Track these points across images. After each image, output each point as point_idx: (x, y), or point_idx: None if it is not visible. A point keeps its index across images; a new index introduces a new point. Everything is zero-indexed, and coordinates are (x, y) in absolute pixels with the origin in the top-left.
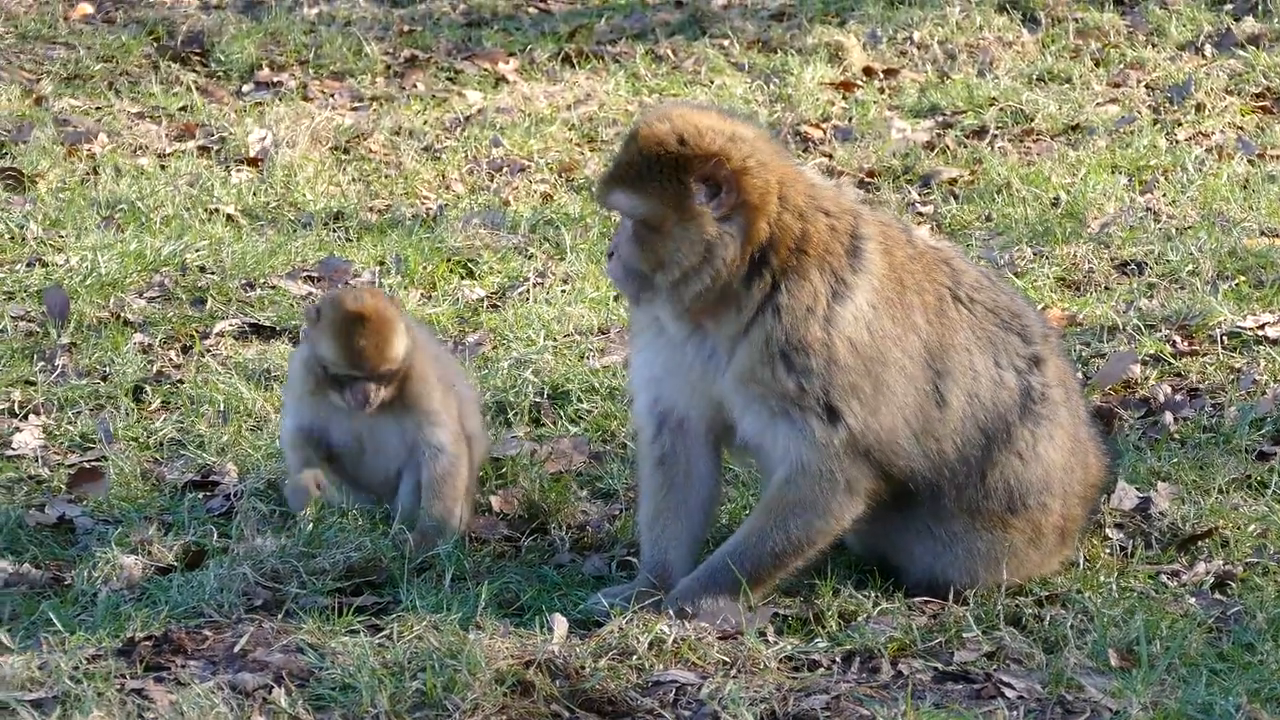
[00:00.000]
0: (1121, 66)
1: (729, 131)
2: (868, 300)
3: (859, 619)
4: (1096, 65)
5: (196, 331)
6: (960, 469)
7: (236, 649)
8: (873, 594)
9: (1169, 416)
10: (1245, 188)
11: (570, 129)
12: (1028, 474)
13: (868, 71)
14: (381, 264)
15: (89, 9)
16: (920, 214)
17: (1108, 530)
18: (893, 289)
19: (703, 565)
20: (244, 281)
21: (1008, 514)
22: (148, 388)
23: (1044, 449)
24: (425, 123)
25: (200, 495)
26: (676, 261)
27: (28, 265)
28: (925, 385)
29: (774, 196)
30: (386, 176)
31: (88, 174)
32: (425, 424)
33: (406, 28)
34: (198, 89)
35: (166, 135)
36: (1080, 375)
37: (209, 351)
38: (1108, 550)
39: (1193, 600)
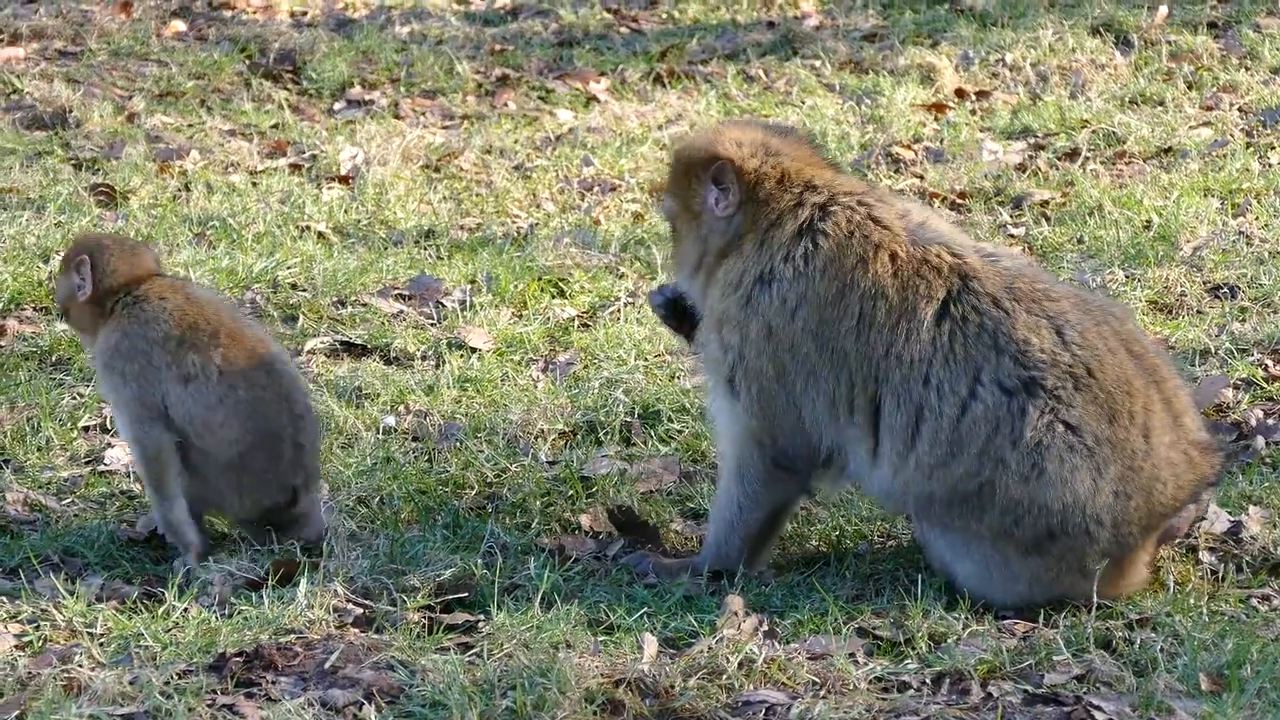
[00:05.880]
0: (1214, 90)
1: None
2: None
3: (949, 641)
4: (1189, 88)
5: (288, 348)
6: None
7: (327, 665)
8: (963, 616)
9: (1260, 441)
10: None
11: (661, 149)
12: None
13: (959, 93)
14: (473, 282)
15: (181, 26)
16: (1012, 236)
17: (1200, 554)
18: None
19: None
20: (335, 299)
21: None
22: None
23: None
24: (516, 141)
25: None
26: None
27: None
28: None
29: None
30: (477, 195)
31: (179, 191)
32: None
33: (498, 47)
34: (289, 107)
35: (258, 153)
36: None
37: (300, 369)
38: (1199, 574)
39: None
